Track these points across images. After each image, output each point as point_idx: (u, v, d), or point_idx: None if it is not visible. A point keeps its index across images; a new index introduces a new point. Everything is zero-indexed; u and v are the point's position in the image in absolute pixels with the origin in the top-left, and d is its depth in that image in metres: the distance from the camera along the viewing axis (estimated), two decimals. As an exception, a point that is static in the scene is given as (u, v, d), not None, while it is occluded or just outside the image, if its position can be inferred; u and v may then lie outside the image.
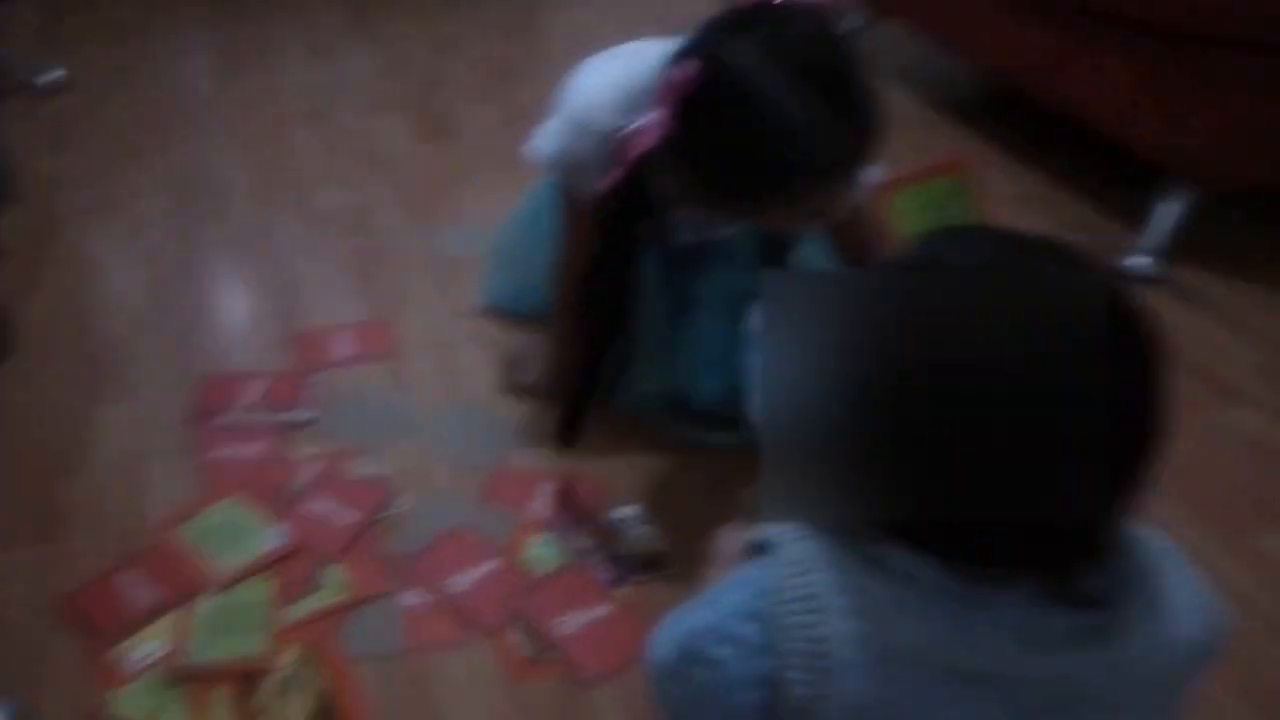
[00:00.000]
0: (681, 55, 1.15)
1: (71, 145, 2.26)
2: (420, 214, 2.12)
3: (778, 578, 0.76)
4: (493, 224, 1.83)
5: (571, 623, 1.30)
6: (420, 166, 2.29)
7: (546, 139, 1.38)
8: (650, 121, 1.16)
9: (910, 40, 2.65)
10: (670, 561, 1.37)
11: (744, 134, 1.10)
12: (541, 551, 1.40)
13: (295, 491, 1.47)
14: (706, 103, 1.12)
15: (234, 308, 1.89)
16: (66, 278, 1.86)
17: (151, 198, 2.11)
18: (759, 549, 0.81)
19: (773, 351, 0.73)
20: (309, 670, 1.23)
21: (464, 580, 1.35)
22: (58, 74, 2.48)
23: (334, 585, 1.34)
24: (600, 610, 1.32)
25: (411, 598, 1.33)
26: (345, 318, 1.83)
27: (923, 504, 0.68)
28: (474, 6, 3.09)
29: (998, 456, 0.66)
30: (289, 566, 1.36)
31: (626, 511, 1.43)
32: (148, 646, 1.25)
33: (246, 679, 1.22)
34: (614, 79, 1.28)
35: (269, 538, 1.39)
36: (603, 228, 1.32)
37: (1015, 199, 2.21)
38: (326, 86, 2.60)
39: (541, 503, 1.46)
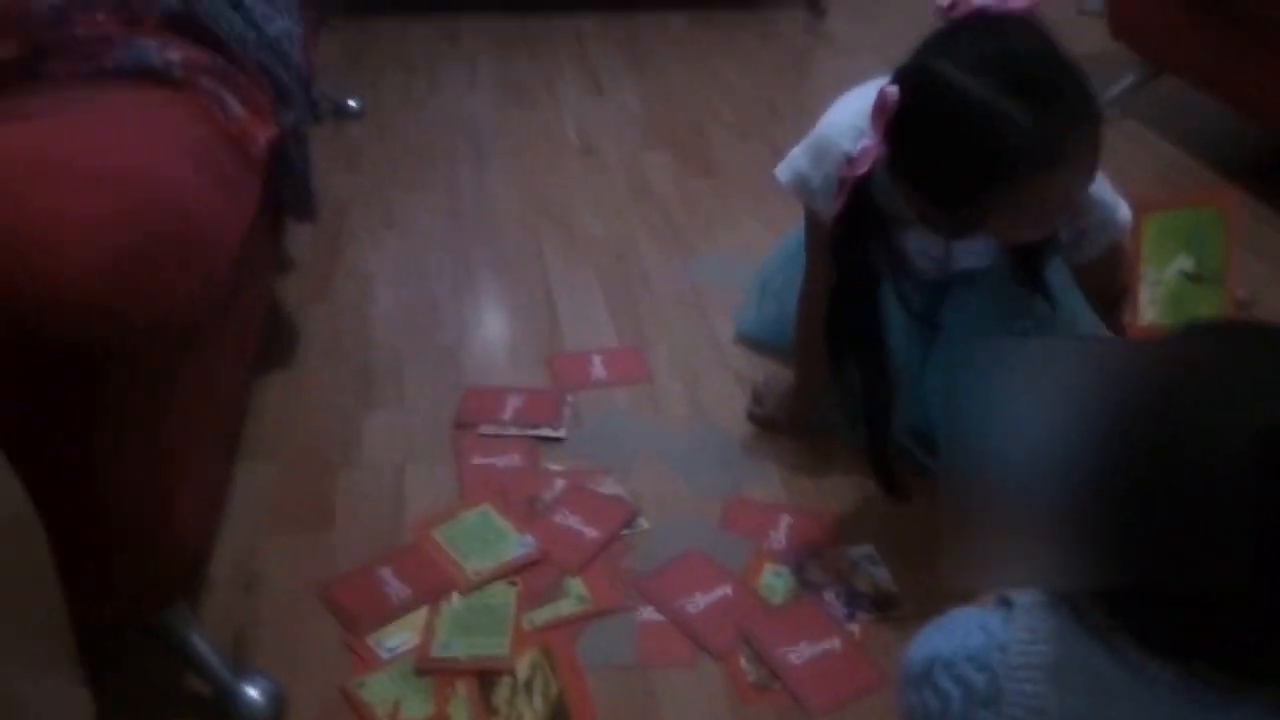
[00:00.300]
0: (895, 76, 1.19)
1: (362, 168, 2.43)
2: (680, 246, 2.16)
3: (1011, 640, 0.77)
4: (749, 257, 1.84)
5: (800, 653, 1.29)
6: (683, 201, 2.33)
7: (789, 162, 1.43)
8: (866, 145, 1.20)
9: (1190, 96, 2.52)
10: (901, 602, 1.36)
11: (952, 134, 1.14)
12: (774, 581, 1.39)
13: (544, 504, 1.51)
14: (913, 116, 1.16)
15: (499, 326, 1.97)
16: (349, 290, 2.00)
17: (431, 219, 2.24)
18: (1004, 601, 0.82)
19: (998, 413, 0.72)
20: (545, 675, 1.25)
21: (697, 602, 1.36)
22: (356, 101, 2.67)
23: (574, 596, 1.37)
24: (830, 644, 1.31)
25: (646, 614, 1.35)
26: (601, 342, 1.88)
27: (1124, 573, 0.68)
28: (747, 49, 3.14)
29: (1212, 543, 0.64)
30: (533, 574, 1.40)
31: (861, 551, 1.42)
32: (398, 638, 1.31)
33: (485, 677, 1.26)
34: (855, 107, 1.30)
35: (517, 546, 1.43)
36: (838, 254, 1.33)
37: None
38: (600, 121, 2.69)
39: (779, 532, 1.46)
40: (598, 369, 1.81)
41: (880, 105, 1.18)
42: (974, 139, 1.13)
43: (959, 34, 1.17)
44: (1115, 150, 2.48)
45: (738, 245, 2.13)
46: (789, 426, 1.63)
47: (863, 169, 1.22)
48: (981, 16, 1.16)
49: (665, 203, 2.33)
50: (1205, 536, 0.64)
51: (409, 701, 1.23)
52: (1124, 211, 1.37)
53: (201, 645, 1.21)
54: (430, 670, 1.27)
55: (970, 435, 0.72)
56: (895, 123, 1.18)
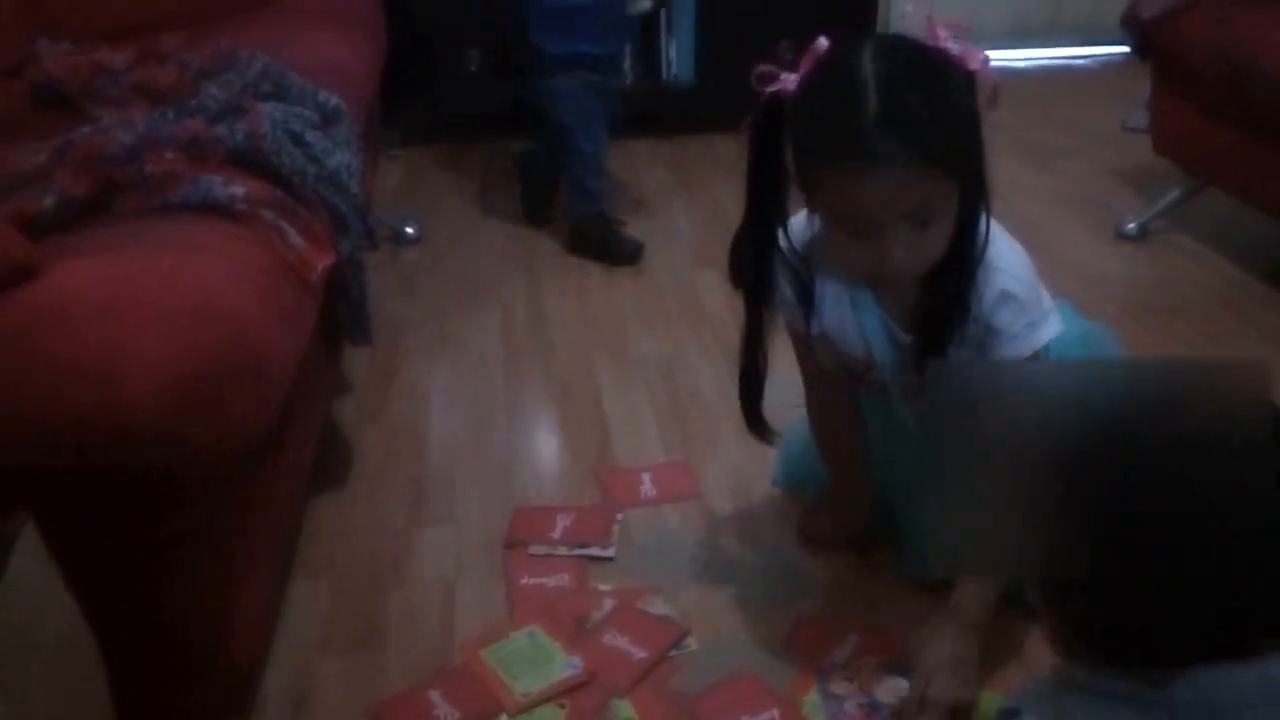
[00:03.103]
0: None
1: (418, 291, 2.50)
2: (730, 363, 2.16)
3: None
4: (798, 375, 1.84)
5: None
6: (734, 319, 2.33)
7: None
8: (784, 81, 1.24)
9: (1241, 210, 2.53)
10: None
11: (816, 91, 1.20)
12: (817, 699, 1.39)
13: (593, 624, 1.51)
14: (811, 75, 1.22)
15: (550, 443, 1.99)
16: (404, 410, 2.04)
17: (485, 339, 2.29)
18: (1007, 714, 0.86)
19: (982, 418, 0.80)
20: None
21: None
22: (413, 227, 2.75)
23: (623, 718, 1.36)
24: None
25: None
26: (652, 459, 1.89)
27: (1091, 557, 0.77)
28: (793, 168, 3.19)
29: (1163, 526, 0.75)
30: (581, 696, 1.39)
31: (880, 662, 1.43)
32: (446, 760, 1.31)
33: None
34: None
35: (564, 667, 1.43)
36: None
37: None
38: (651, 240, 2.74)
39: (845, 650, 1.46)
40: (647, 486, 1.82)
41: (811, 49, 1.23)
42: (825, 99, 1.19)
43: (899, 41, 1.23)
44: (1167, 264, 2.52)
45: (787, 362, 2.13)
46: (841, 541, 1.63)
47: (770, 87, 1.24)
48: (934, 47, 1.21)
49: (716, 321, 2.35)
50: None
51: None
52: (1046, 330, 1.32)
53: (251, 766, 1.22)
54: None
55: (961, 432, 0.81)
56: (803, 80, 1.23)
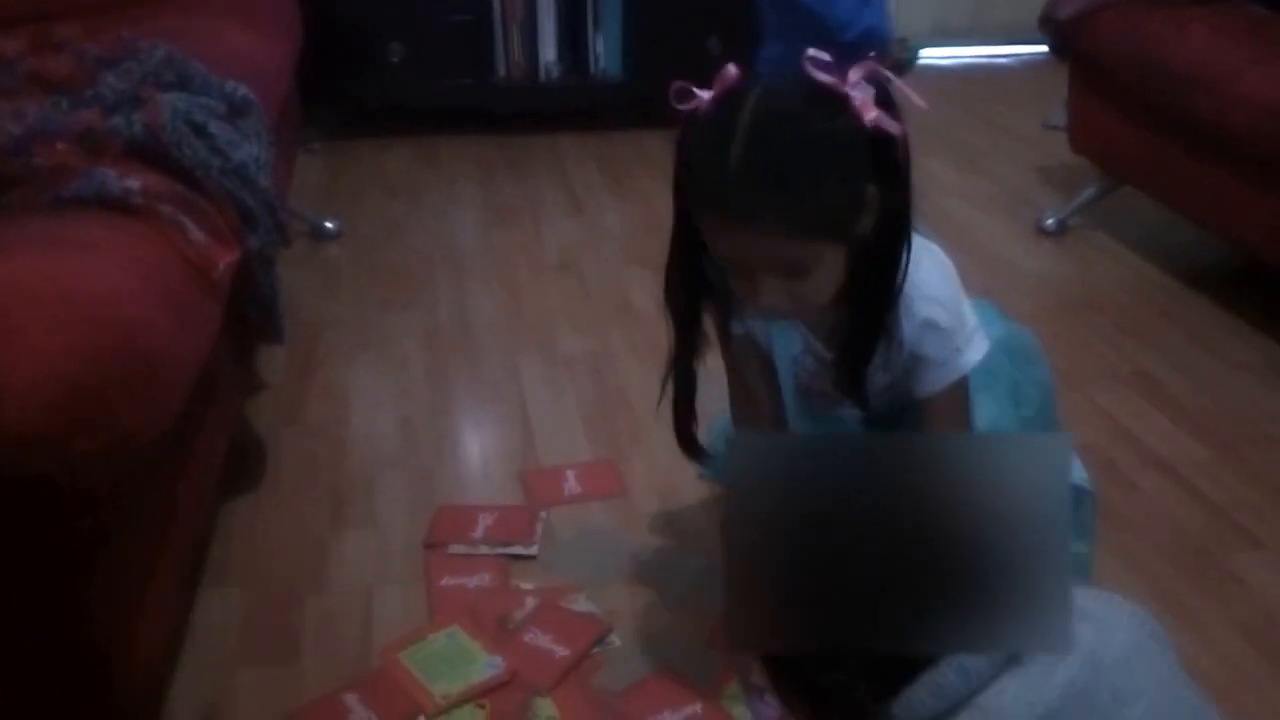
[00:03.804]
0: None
1: (339, 290, 2.44)
2: (659, 361, 2.14)
3: None
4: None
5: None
6: (662, 317, 2.32)
7: None
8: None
9: (1155, 207, 2.57)
10: None
11: (702, 127, 1.15)
12: (736, 693, 1.37)
13: (515, 623, 1.48)
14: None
15: (474, 444, 1.96)
16: (323, 412, 1.99)
17: (409, 340, 2.24)
18: None
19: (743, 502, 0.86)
20: None
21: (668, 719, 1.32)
22: (334, 223, 2.70)
23: (544, 717, 1.34)
24: None
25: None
26: (577, 458, 1.86)
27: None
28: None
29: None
30: (502, 696, 1.37)
31: None
32: (362, 767, 1.27)
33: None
34: None
35: (485, 667, 1.40)
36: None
37: (1256, 368, 2.13)
38: (580, 240, 2.71)
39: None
40: (572, 484, 1.79)
41: (721, 75, 1.16)
42: (704, 137, 1.14)
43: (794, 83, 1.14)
44: (1084, 261, 2.55)
45: (718, 361, 2.12)
46: None
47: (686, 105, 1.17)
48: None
49: (644, 318, 2.33)
50: None
51: (372, 835, 1.19)
52: (971, 353, 1.30)
53: (155, 782, 1.17)
54: None
55: (749, 516, 0.84)
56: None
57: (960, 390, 1.31)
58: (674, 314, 1.38)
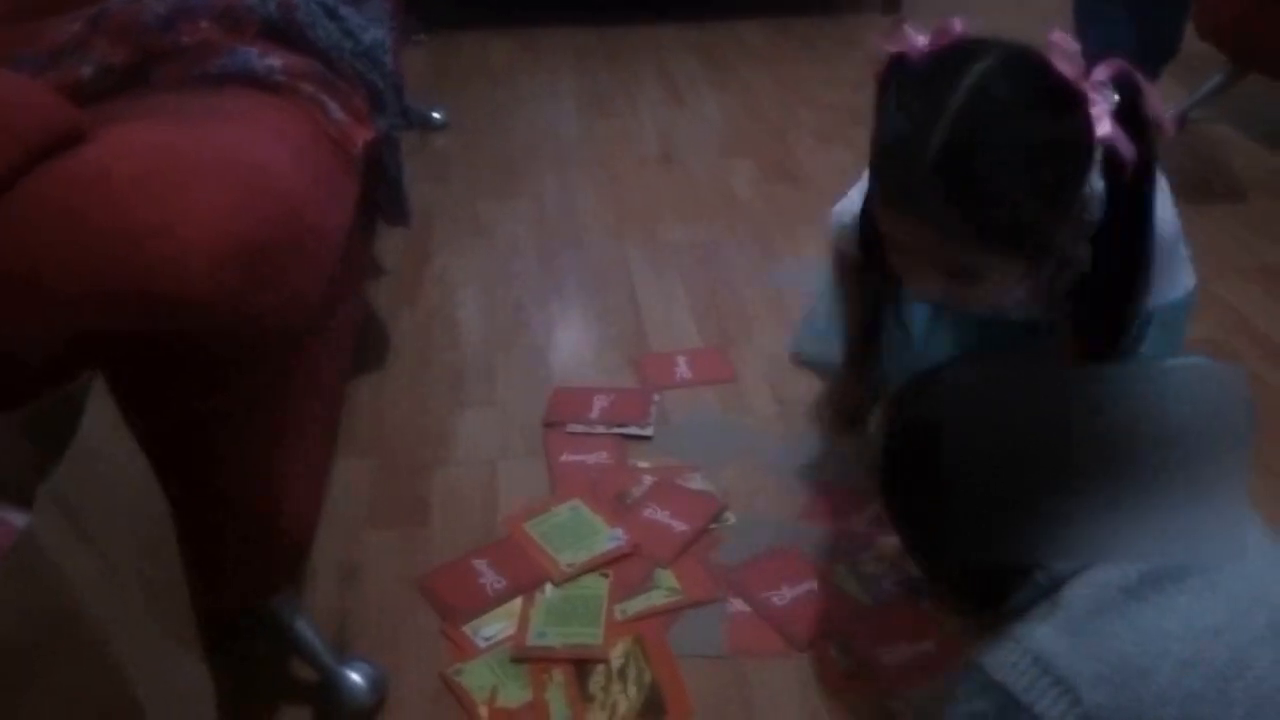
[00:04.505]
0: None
1: (449, 177, 2.48)
2: (763, 251, 2.17)
3: None
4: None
5: (894, 654, 1.29)
6: (765, 206, 2.34)
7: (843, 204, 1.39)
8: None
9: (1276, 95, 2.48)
10: None
11: (887, 112, 1.07)
12: (848, 574, 1.41)
13: (633, 499, 1.53)
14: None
15: (585, 328, 1.99)
16: (438, 296, 2.04)
17: (517, 226, 2.28)
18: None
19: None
20: (639, 663, 1.27)
21: (785, 595, 1.37)
22: (441, 113, 2.73)
23: (665, 588, 1.39)
24: (924, 646, 1.30)
25: (736, 606, 1.36)
26: (687, 344, 1.89)
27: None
28: (825, 55, 3.14)
29: None
30: (624, 567, 1.42)
31: None
32: (493, 627, 1.34)
33: (581, 666, 1.27)
34: None
35: (608, 539, 1.45)
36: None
37: None
38: (681, 130, 2.71)
39: (862, 523, 1.48)
40: (683, 369, 1.82)
41: (944, 24, 1.05)
42: (906, 102, 1.03)
43: (1025, 67, 1.01)
44: (1206, 154, 2.48)
45: (821, 249, 2.13)
46: (842, 429, 1.63)
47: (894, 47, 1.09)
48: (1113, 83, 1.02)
49: (747, 208, 2.34)
50: None
51: (506, 688, 1.26)
52: (1185, 278, 1.25)
53: (307, 631, 1.24)
54: (526, 659, 1.29)
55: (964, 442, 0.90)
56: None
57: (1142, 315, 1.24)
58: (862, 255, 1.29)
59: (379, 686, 1.24)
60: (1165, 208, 1.19)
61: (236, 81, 1.28)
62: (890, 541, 1.43)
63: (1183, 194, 2.28)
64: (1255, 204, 2.29)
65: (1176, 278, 1.25)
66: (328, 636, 1.28)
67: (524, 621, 1.33)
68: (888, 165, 1.07)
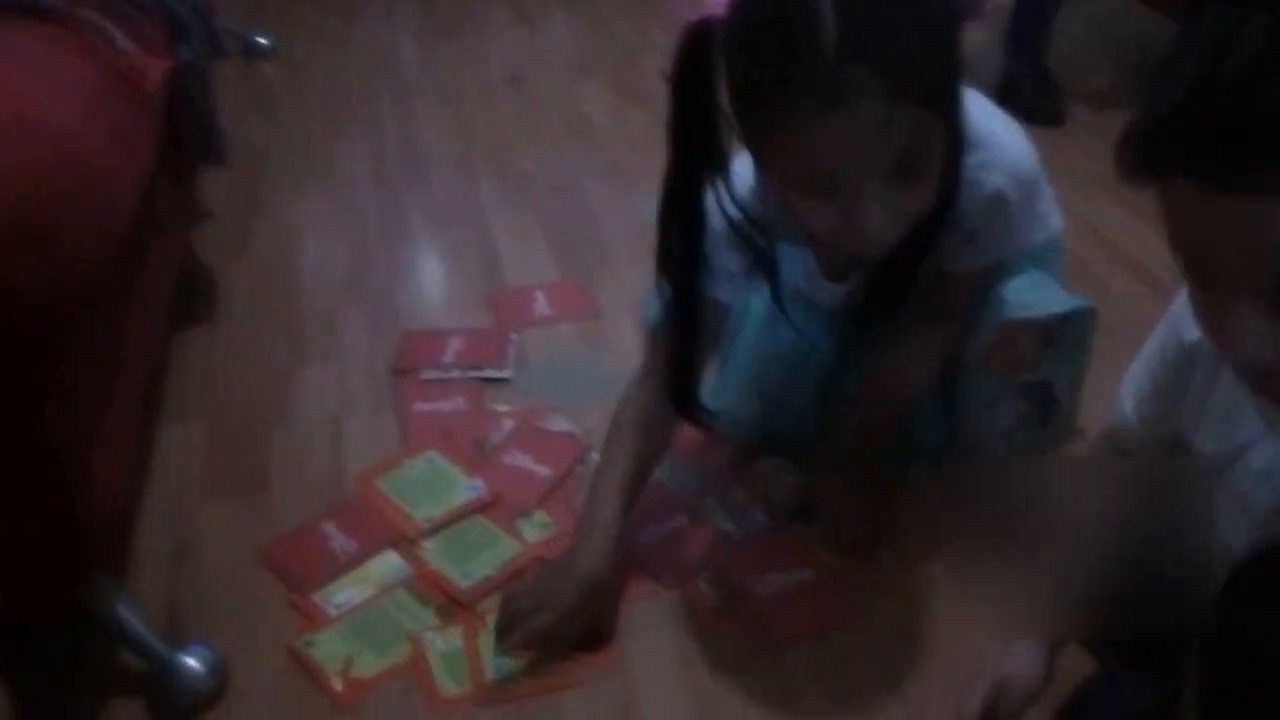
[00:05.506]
0: None
1: (278, 110, 2.32)
2: (620, 178, 2.08)
3: None
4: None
5: (770, 583, 1.24)
6: (620, 130, 2.25)
7: None
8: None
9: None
10: (819, 506, 1.32)
11: (764, 17, 0.97)
12: (717, 507, 1.35)
13: (492, 445, 1.44)
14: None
15: (435, 268, 1.89)
16: (273, 241, 1.90)
17: (356, 163, 2.14)
18: None
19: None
20: None
21: (652, 533, 1.31)
22: (266, 39, 2.54)
23: (536, 527, 1.32)
24: (801, 574, 1.26)
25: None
26: (544, 279, 1.80)
27: None
28: (674, -30, 3.05)
29: None
30: (489, 518, 1.33)
31: (770, 463, 1.39)
32: (347, 593, 1.24)
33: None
34: None
35: (466, 490, 1.37)
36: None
37: None
38: (529, 52, 2.59)
39: (723, 458, 1.41)
40: (541, 305, 1.73)
41: None
42: (768, 22, 0.96)
43: None
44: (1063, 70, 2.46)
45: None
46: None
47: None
48: None
49: (601, 133, 2.24)
50: None
51: (361, 656, 1.17)
52: (1026, 235, 1.20)
53: (131, 619, 1.12)
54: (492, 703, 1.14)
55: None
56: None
57: (992, 270, 1.21)
58: (672, 268, 1.16)
59: (218, 670, 1.13)
60: (1019, 145, 1.14)
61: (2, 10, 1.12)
62: (758, 469, 1.38)
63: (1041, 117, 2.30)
64: (1112, 119, 2.28)
65: (1042, 219, 1.20)
66: (161, 622, 1.17)
67: (473, 658, 1.17)
68: (783, 71, 0.94)
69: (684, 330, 1.16)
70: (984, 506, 0.87)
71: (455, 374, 1.58)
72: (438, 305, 1.76)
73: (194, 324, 1.67)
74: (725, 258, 1.16)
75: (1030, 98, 2.22)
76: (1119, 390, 0.98)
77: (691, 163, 1.07)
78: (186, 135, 1.48)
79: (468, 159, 2.15)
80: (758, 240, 1.14)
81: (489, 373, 1.58)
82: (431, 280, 1.86)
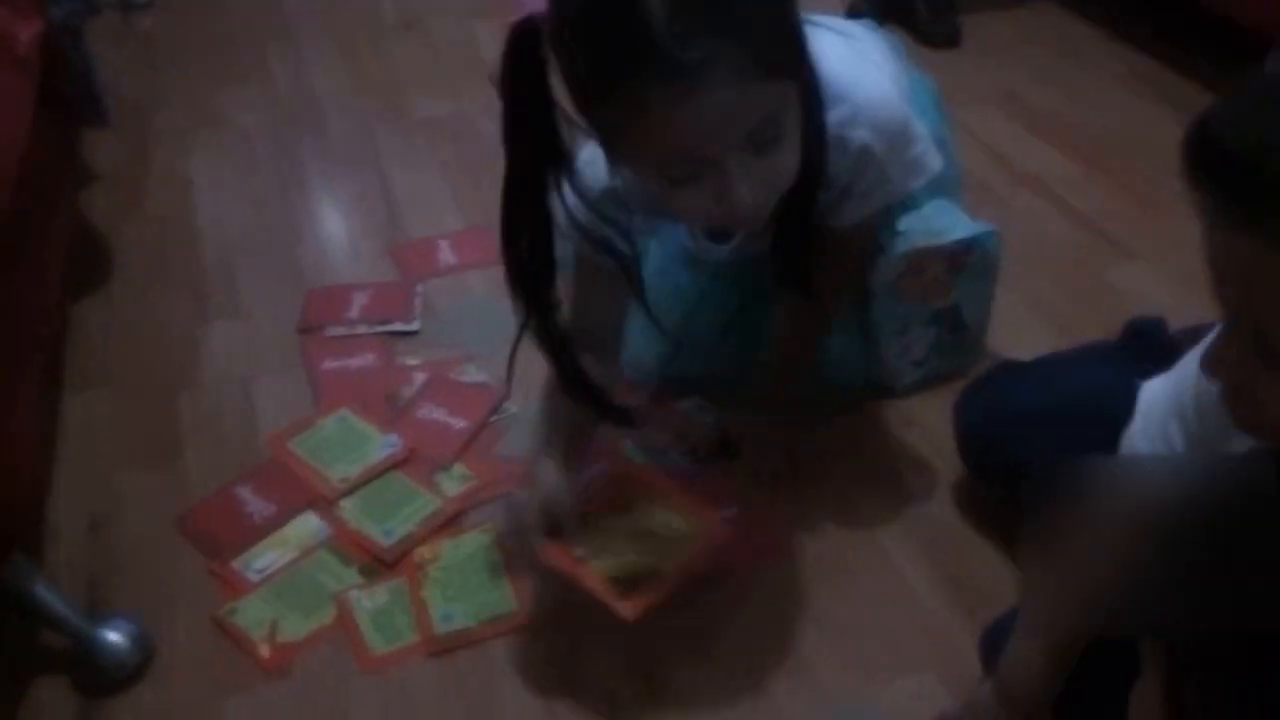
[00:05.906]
0: None
1: (162, 63, 2.24)
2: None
3: None
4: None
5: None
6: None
7: None
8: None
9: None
10: (740, 444, 1.34)
11: (590, 6, 0.91)
12: (634, 452, 1.36)
13: (405, 400, 1.44)
14: None
15: (337, 221, 1.85)
16: (166, 199, 1.84)
17: (247, 114, 2.08)
18: None
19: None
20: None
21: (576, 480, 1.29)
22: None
23: (455, 480, 1.32)
24: (725, 512, 1.25)
25: (521, 499, 1.27)
26: (448, 227, 1.78)
27: None
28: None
29: None
30: (406, 473, 1.33)
31: (689, 403, 1.41)
32: (267, 557, 1.23)
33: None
34: None
35: (382, 446, 1.36)
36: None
37: (1124, 78, 2.12)
38: (419, -10, 2.53)
39: (638, 398, 1.40)
40: (446, 254, 1.72)
41: None
42: (595, 5, 0.90)
43: None
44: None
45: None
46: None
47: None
48: None
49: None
50: None
51: (287, 620, 1.17)
52: (906, 180, 1.16)
53: (47, 596, 1.10)
54: (444, 650, 1.14)
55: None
56: None
57: (877, 215, 1.20)
58: (521, 278, 1.09)
59: (142, 643, 1.12)
60: (882, 93, 1.11)
61: None
62: (674, 411, 1.39)
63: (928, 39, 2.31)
64: (994, 30, 2.31)
65: (917, 164, 1.16)
66: (78, 597, 1.15)
67: (420, 607, 1.18)
68: (618, 55, 0.89)
69: (551, 344, 1.12)
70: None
71: (362, 329, 1.56)
72: (341, 258, 1.74)
73: (91, 290, 1.62)
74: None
75: (925, 18, 2.24)
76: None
77: (533, 165, 1.01)
78: (65, 97, 1.43)
79: (362, 106, 2.11)
80: (616, 243, 1.10)
81: (397, 326, 1.57)
82: (334, 233, 1.83)
